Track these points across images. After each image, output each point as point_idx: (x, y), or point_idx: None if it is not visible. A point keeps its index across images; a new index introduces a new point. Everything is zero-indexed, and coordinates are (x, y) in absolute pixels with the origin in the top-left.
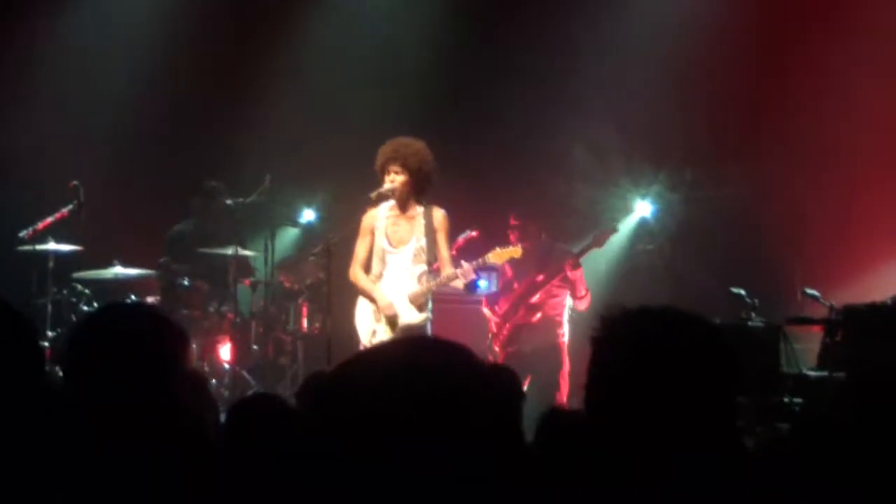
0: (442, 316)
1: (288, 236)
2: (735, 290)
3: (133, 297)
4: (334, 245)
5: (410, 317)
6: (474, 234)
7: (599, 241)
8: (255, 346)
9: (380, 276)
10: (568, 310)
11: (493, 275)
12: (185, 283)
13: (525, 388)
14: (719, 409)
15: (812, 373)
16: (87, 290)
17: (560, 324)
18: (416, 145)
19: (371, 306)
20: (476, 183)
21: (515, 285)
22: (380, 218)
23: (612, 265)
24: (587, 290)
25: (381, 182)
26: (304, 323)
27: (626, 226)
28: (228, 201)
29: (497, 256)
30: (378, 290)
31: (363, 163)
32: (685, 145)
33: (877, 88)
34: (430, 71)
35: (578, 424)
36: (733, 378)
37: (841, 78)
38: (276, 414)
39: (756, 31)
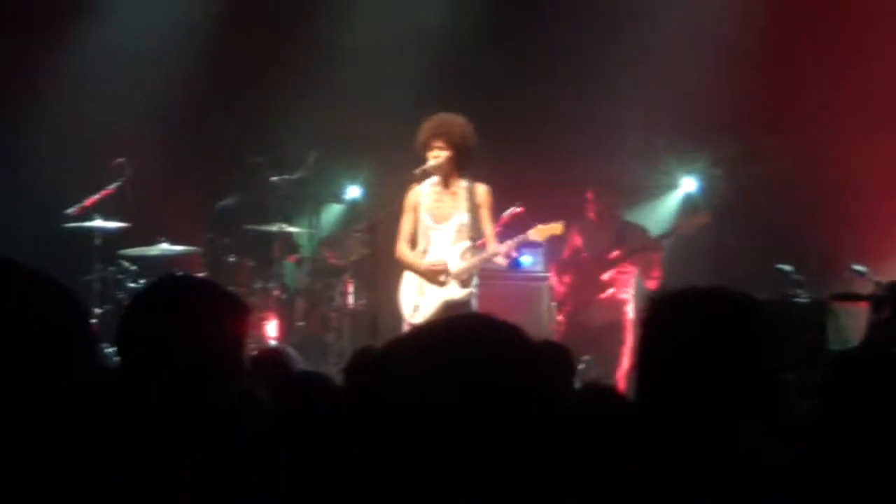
0: (494, 292)
1: (333, 212)
2: (781, 266)
3: (179, 273)
4: (379, 221)
5: (453, 292)
6: (519, 210)
7: (689, 228)
8: (300, 323)
9: (424, 252)
10: (636, 287)
11: (539, 251)
12: (231, 259)
13: (585, 362)
14: (767, 387)
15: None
16: (133, 267)
17: (626, 301)
18: (457, 120)
19: (416, 280)
20: (521, 159)
21: (584, 255)
22: (423, 194)
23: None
24: (661, 272)
25: (423, 158)
26: (350, 299)
27: (672, 201)
28: (274, 178)
29: (538, 233)
30: (424, 261)
31: (407, 139)
32: (730, 120)
33: None
34: (474, 48)
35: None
36: (781, 356)
37: (890, 45)
38: (321, 391)
39: (799, 8)
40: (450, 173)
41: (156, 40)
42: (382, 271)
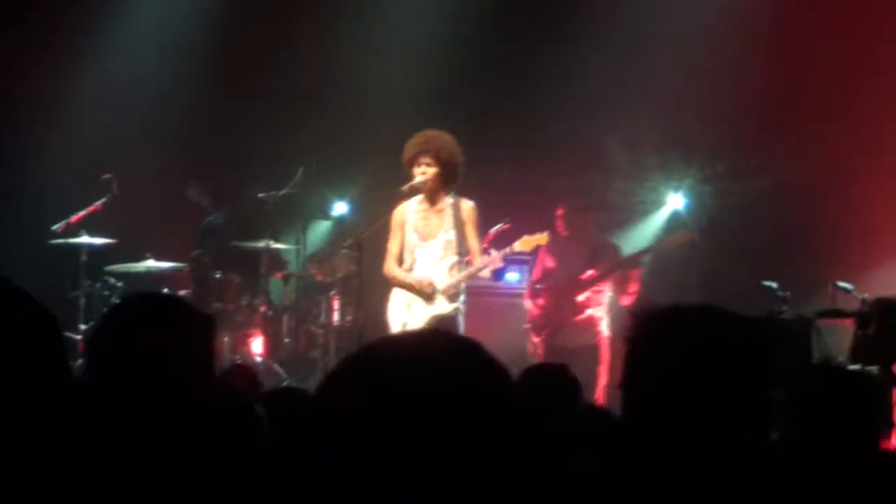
0: (478, 310)
1: (320, 229)
2: (766, 282)
3: (166, 290)
4: (365, 238)
5: (441, 307)
6: (506, 226)
7: (669, 245)
8: (286, 339)
9: (410, 269)
10: (609, 303)
11: (525, 268)
12: (218, 276)
13: None
14: (754, 405)
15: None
16: (119, 284)
17: (600, 318)
18: (444, 137)
19: (404, 297)
20: (509, 176)
21: (557, 279)
22: (409, 212)
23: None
24: (639, 287)
25: (410, 175)
26: (336, 316)
27: (658, 219)
28: (260, 194)
29: (524, 244)
30: (412, 275)
31: (395, 155)
32: (716, 138)
33: None
34: (463, 65)
35: (611, 423)
36: (769, 374)
37: (873, 69)
38: (304, 407)
39: (786, 23)
40: (437, 190)
41: (144, 58)
42: (369, 288)
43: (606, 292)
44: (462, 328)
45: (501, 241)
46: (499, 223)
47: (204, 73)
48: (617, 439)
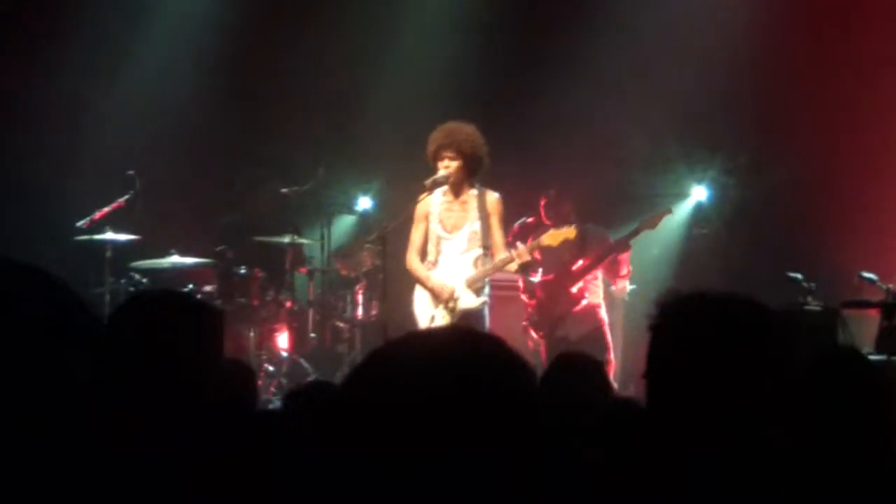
0: (500, 303)
1: (344, 224)
2: (791, 273)
3: (191, 286)
4: (389, 232)
5: (468, 301)
6: (530, 220)
7: (652, 223)
8: (312, 334)
9: (435, 262)
10: (603, 288)
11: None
12: (242, 271)
13: None
14: (777, 393)
15: (869, 356)
16: (144, 280)
17: (598, 305)
18: (466, 129)
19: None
20: (532, 169)
21: (541, 269)
22: (434, 204)
23: (668, 250)
24: (629, 269)
25: (433, 168)
26: (361, 310)
27: (682, 210)
28: (283, 189)
29: (551, 238)
30: (432, 276)
31: (418, 150)
32: (740, 129)
33: None
34: (485, 58)
35: (638, 414)
36: (792, 361)
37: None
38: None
39: (812, 14)
40: (460, 182)
41: (166, 54)
42: (393, 282)
43: (599, 279)
44: (487, 322)
45: (525, 235)
46: (522, 217)
47: (226, 71)
48: (643, 428)
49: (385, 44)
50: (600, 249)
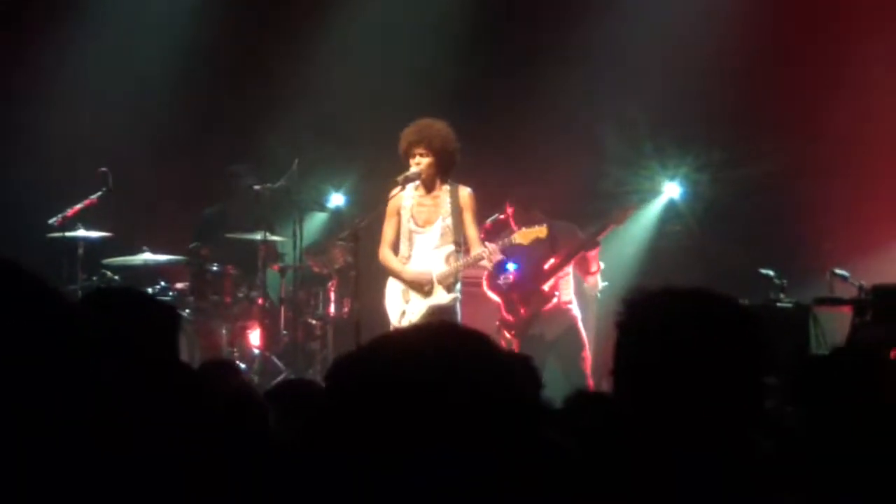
0: (471, 300)
1: (316, 221)
2: (763, 270)
3: (163, 283)
4: (362, 229)
5: (439, 297)
6: (503, 217)
7: (620, 218)
8: (284, 332)
9: (408, 257)
10: (574, 285)
11: (521, 258)
12: (214, 268)
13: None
14: (748, 390)
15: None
16: (116, 277)
17: (571, 301)
18: (437, 125)
19: (400, 287)
20: (505, 165)
21: (511, 269)
22: (406, 199)
23: (641, 247)
24: (599, 266)
25: (406, 165)
26: (333, 307)
27: (655, 207)
28: (256, 186)
29: (523, 236)
30: (407, 269)
31: (391, 146)
32: (712, 126)
33: None
34: (456, 53)
35: (606, 405)
36: (762, 358)
37: (871, 58)
38: (311, 399)
39: (781, 12)
40: (432, 178)
41: (139, 51)
42: (366, 280)
43: (571, 275)
44: (459, 318)
45: (498, 231)
46: (495, 213)
47: (198, 66)
48: (610, 423)
49: (359, 40)
50: (570, 247)
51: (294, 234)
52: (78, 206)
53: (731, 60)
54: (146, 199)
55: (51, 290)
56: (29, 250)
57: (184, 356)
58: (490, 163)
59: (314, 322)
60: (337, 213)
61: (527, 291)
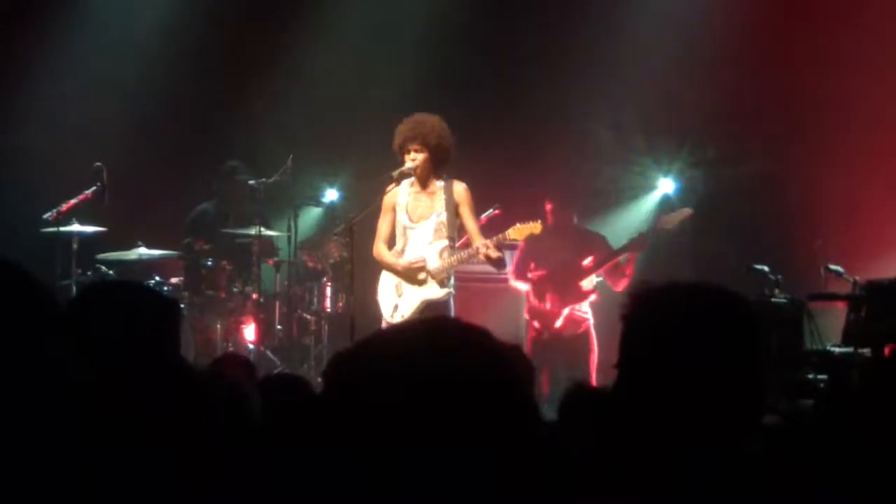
0: (469, 294)
1: (311, 216)
2: (757, 266)
3: (157, 278)
4: (356, 224)
5: (432, 292)
6: (497, 212)
7: (669, 222)
8: (278, 326)
9: (402, 251)
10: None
11: (513, 252)
12: (209, 263)
13: (550, 371)
14: (750, 386)
15: (836, 349)
16: (111, 272)
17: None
18: (432, 121)
19: (393, 281)
20: (498, 161)
21: (532, 265)
22: (401, 194)
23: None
24: (633, 272)
25: (400, 161)
26: (328, 302)
27: (649, 203)
28: (251, 181)
29: (517, 232)
30: (401, 261)
31: (385, 142)
32: (707, 122)
33: None
34: (451, 49)
35: (603, 401)
36: (762, 349)
37: (866, 53)
38: (300, 394)
39: (777, 10)
40: (427, 174)
41: (133, 45)
42: (361, 274)
43: (594, 279)
44: (453, 313)
45: (493, 226)
46: (489, 209)
47: (193, 61)
48: (609, 416)
49: (354, 35)
50: (603, 254)
51: (289, 230)
52: (72, 201)
53: (726, 56)
54: (141, 194)
55: (35, 281)
56: (23, 245)
57: None
58: (483, 159)
59: (309, 317)
60: (331, 208)
61: (563, 286)
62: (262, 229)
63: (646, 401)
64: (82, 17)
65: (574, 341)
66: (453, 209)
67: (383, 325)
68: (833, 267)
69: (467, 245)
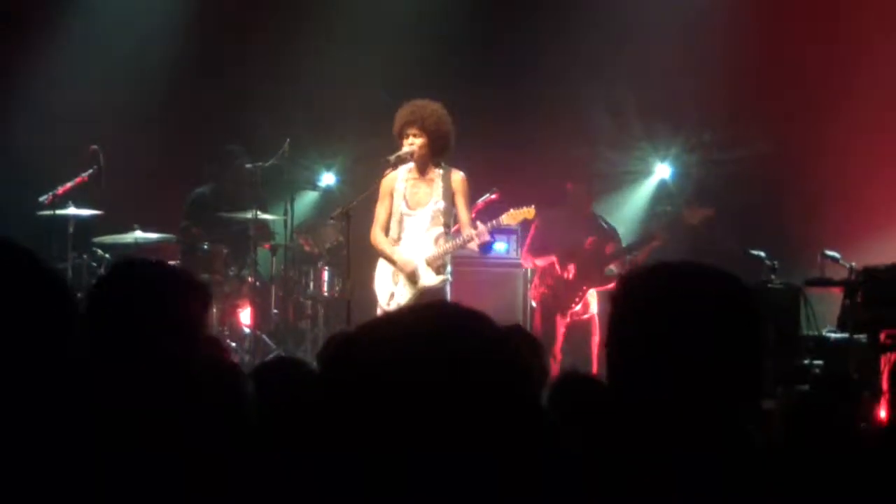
0: (468, 279)
1: (307, 200)
2: (754, 251)
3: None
4: (353, 208)
5: (428, 279)
6: (494, 196)
7: (692, 217)
8: (275, 310)
9: (398, 238)
10: None
11: (513, 238)
12: (205, 247)
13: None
14: (743, 363)
15: (832, 335)
16: (107, 255)
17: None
18: (432, 107)
19: (390, 268)
20: (496, 146)
21: (551, 244)
22: (399, 180)
23: (632, 228)
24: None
25: (398, 145)
26: (324, 286)
27: (646, 188)
28: (248, 165)
29: (511, 217)
30: (397, 251)
31: (382, 126)
32: (704, 107)
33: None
34: (449, 34)
35: (593, 389)
36: (757, 329)
37: (860, 39)
38: (300, 377)
39: None
40: (425, 160)
41: (130, 28)
42: (357, 259)
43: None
44: (449, 300)
45: (490, 211)
46: (486, 193)
47: (189, 43)
48: (603, 401)
49: (351, 19)
50: (617, 245)
51: (285, 213)
52: (69, 184)
53: (723, 41)
54: (137, 177)
55: (44, 266)
56: (19, 228)
57: None
58: (476, 145)
59: (305, 301)
60: (328, 192)
61: (587, 270)
62: (259, 213)
63: (632, 381)
64: (76, 2)
65: (580, 324)
66: (450, 197)
67: (379, 311)
68: (829, 253)
69: (458, 234)
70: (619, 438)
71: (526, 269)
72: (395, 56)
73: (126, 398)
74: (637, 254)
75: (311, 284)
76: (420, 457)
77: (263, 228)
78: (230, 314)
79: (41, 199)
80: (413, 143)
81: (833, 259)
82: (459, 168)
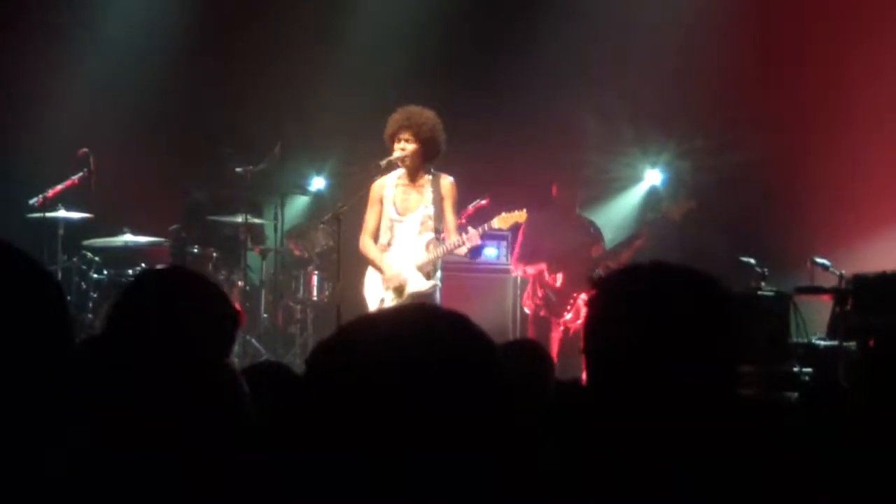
0: (458, 284)
1: (298, 204)
2: (744, 258)
3: (143, 265)
4: (343, 213)
5: (418, 284)
6: (484, 201)
7: (676, 213)
8: (264, 314)
9: (388, 244)
10: None
11: (503, 243)
12: (195, 250)
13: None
14: (718, 364)
15: (822, 342)
16: (96, 258)
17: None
18: (426, 114)
19: (380, 275)
20: (486, 151)
21: (539, 248)
22: (388, 186)
23: (622, 234)
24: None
25: (390, 150)
26: (314, 291)
27: (636, 194)
28: (238, 169)
29: (502, 221)
30: (385, 261)
31: (373, 131)
32: (694, 113)
33: (889, 55)
34: (439, 39)
35: (584, 395)
36: (731, 328)
37: (852, 45)
38: (284, 381)
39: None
40: (416, 167)
41: (123, 32)
42: (347, 263)
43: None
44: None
45: (479, 216)
46: (476, 199)
47: (180, 48)
48: (585, 405)
49: (341, 23)
50: (627, 239)
51: (275, 217)
52: (59, 187)
53: (713, 47)
54: (127, 180)
55: (42, 270)
56: (8, 230)
57: None
58: (467, 151)
59: (294, 305)
60: (318, 197)
61: (573, 269)
62: (249, 217)
63: (609, 384)
64: (67, 6)
65: (573, 332)
66: (440, 203)
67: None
68: (819, 260)
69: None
70: (602, 443)
71: (516, 275)
72: (386, 60)
73: (126, 398)
74: (621, 254)
75: (301, 289)
76: (400, 455)
77: (254, 232)
78: None
79: (31, 201)
80: (405, 148)
81: (823, 266)
82: (449, 171)
